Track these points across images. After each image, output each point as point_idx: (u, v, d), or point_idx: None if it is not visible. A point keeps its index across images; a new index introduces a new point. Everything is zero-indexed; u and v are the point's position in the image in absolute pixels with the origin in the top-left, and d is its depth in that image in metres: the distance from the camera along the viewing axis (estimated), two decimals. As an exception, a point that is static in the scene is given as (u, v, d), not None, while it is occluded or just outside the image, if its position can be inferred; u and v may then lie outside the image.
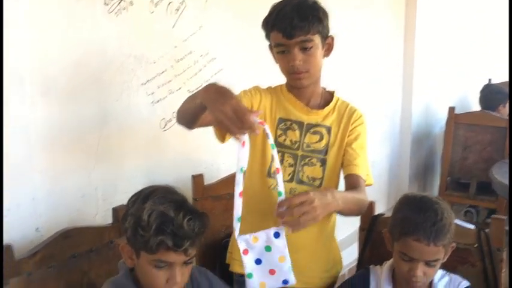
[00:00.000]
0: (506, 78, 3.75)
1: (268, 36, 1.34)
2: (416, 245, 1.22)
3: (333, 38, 1.36)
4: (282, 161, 1.38)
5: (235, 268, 1.44)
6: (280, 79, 1.42)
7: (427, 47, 3.41)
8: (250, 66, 2.02)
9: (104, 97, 1.57)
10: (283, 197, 1.16)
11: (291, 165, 1.38)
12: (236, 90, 1.15)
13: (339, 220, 1.50)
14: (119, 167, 1.64)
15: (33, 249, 1.24)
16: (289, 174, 1.38)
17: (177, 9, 1.76)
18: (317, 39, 1.29)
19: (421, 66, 3.38)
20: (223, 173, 1.85)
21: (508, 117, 3.30)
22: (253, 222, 1.26)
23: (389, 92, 3.30)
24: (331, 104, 1.41)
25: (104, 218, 1.53)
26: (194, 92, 1.20)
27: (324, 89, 1.44)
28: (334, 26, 1.37)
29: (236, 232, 1.15)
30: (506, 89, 3.56)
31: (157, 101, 1.73)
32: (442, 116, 3.52)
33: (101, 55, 1.55)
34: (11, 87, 1.32)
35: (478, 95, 3.63)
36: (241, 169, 1.13)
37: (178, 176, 1.73)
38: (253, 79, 1.46)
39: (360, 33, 2.85)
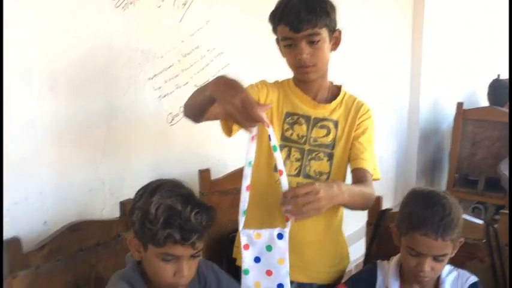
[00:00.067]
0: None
1: (275, 30, 1.34)
2: (424, 239, 1.21)
3: (340, 32, 1.35)
4: (288, 156, 1.37)
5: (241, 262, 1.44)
6: (287, 73, 1.42)
7: (435, 41, 3.39)
8: (257, 61, 2.02)
9: (111, 91, 1.57)
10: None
11: (297, 160, 1.38)
12: (243, 84, 1.14)
13: (346, 215, 1.49)
14: (125, 161, 1.64)
15: (41, 242, 1.25)
16: (296, 168, 1.37)
17: (184, 4, 1.76)
18: (324, 32, 1.28)
19: (429, 61, 3.35)
20: (230, 168, 1.85)
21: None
22: (259, 216, 1.26)
23: (396, 87, 3.28)
24: (339, 98, 1.40)
25: (111, 212, 1.53)
26: (202, 85, 1.20)
27: (331, 83, 1.43)
28: (341, 20, 1.36)
29: (240, 225, 1.15)
30: (515, 85, 3.54)
31: (165, 96, 1.73)
32: (450, 112, 3.50)
33: (108, 49, 1.55)
34: (19, 82, 1.33)
35: (486, 91, 3.61)
36: (250, 163, 1.13)
37: (185, 171, 1.73)
38: (260, 74, 1.45)
39: (368, 27, 2.83)
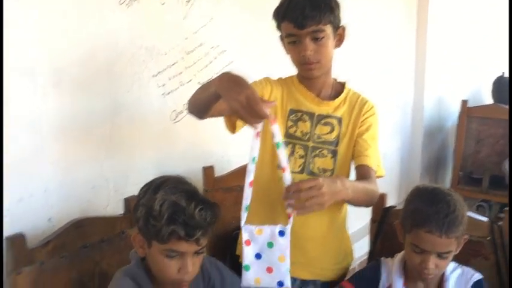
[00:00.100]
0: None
1: (279, 27, 1.33)
2: (428, 236, 1.21)
3: (344, 29, 1.35)
4: (292, 153, 1.37)
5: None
6: (291, 71, 1.42)
7: (439, 38, 3.37)
8: (261, 59, 2.01)
9: (115, 89, 1.58)
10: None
11: (301, 157, 1.38)
12: (248, 80, 1.14)
13: (350, 213, 1.49)
14: (129, 158, 1.65)
15: (45, 238, 1.25)
16: (300, 165, 1.37)
17: (188, 1, 1.75)
18: (328, 29, 1.28)
19: (434, 58, 3.34)
20: (234, 165, 1.84)
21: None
22: (262, 213, 1.26)
23: (401, 84, 3.27)
24: (342, 95, 1.40)
25: (115, 209, 1.53)
26: (207, 81, 1.20)
27: (335, 79, 1.43)
28: (345, 16, 1.36)
29: (242, 221, 1.15)
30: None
31: (168, 93, 1.73)
32: (455, 109, 3.48)
33: (112, 47, 1.55)
34: (23, 79, 1.33)
35: (490, 88, 3.59)
36: (253, 159, 1.13)
37: (188, 168, 1.73)
38: (263, 71, 1.45)
39: (372, 23, 2.82)
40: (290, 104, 1.39)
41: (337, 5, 1.31)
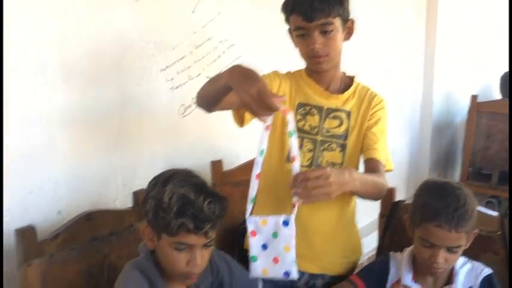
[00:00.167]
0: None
1: (287, 20, 1.33)
2: (438, 231, 1.20)
3: (353, 22, 1.34)
4: (301, 146, 1.37)
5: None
6: (299, 65, 1.41)
7: (449, 32, 3.34)
8: (269, 53, 2.01)
9: (123, 83, 1.58)
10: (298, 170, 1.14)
11: (310, 151, 1.37)
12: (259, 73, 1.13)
13: (358, 208, 1.48)
14: (138, 152, 1.65)
15: (55, 231, 1.26)
16: (308, 159, 1.37)
17: (196, -5, 1.76)
18: (337, 22, 1.27)
19: (443, 52, 3.31)
20: (242, 159, 1.84)
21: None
22: (269, 206, 1.26)
23: (409, 79, 3.25)
24: (351, 89, 1.39)
25: (124, 203, 1.54)
26: (217, 74, 1.19)
27: (344, 73, 1.42)
28: (354, 10, 1.35)
29: (247, 213, 1.15)
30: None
31: (177, 87, 1.73)
32: (464, 105, 3.45)
33: (121, 41, 1.56)
34: (34, 73, 1.34)
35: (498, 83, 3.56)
36: (262, 152, 1.13)
37: (197, 162, 1.73)
38: (272, 65, 1.45)
39: (381, 17, 2.80)
40: (298, 97, 1.39)
41: None
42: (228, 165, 1.81)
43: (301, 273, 1.40)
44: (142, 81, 1.63)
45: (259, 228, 1.15)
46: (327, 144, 1.37)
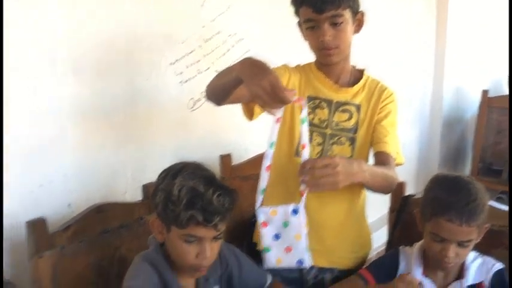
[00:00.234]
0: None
1: (297, 12, 1.32)
2: (449, 225, 1.19)
3: (363, 14, 1.33)
4: (310, 140, 1.36)
5: (262, 246, 1.44)
6: (309, 59, 1.40)
7: (460, 26, 3.30)
8: (279, 47, 2.00)
9: (133, 76, 1.59)
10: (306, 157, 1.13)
11: (319, 144, 1.37)
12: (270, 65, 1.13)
13: (367, 203, 1.47)
14: (147, 146, 1.66)
15: (66, 223, 1.27)
16: (318, 153, 1.36)
17: (205, -12, 1.75)
18: (347, 14, 1.26)
19: (454, 46, 3.27)
20: (251, 153, 1.84)
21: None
22: (280, 199, 1.24)
23: (419, 73, 3.22)
24: (361, 82, 1.38)
25: (133, 196, 1.54)
26: (228, 67, 1.19)
27: (354, 66, 1.41)
28: (364, 2, 1.34)
29: (257, 204, 1.15)
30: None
31: (186, 81, 1.73)
32: (475, 100, 3.42)
33: (130, 34, 1.56)
34: (43, 66, 1.35)
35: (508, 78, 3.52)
36: (272, 144, 1.13)
37: (206, 156, 1.73)
38: (281, 60, 1.44)
39: (391, 10, 2.78)
40: (308, 91, 1.38)
41: None
42: (237, 159, 1.81)
43: (310, 267, 1.40)
44: (151, 75, 1.63)
45: (270, 218, 1.15)
46: (336, 138, 1.37)
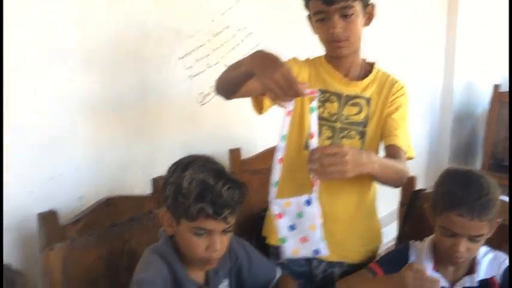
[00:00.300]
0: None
1: (307, 5, 1.31)
2: (460, 220, 1.18)
3: (373, 6, 1.32)
4: (319, 134, 1.35)
5: (271, 240, 1.44)
6: (318, 53, 1.39)
7: (471, 19, 3.26)
8: (288, 41, 1.99)
9: (142, 70, 1.59)
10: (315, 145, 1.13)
11: (329, 138, 1.36)
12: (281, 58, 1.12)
13: (377, 198, 1.47)
14: (157, 140, 1.66)
15: (76, 216, 1.28)
16: (327, 146, 1.36)
17: (215, -18, 1.75)
18: (358, 6, 1.25)
19: (465, 40, 3.24)
20: (260, 148, 1.84)
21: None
22: (290, 192, 1.24)
23: (430, 67, 3.19)
24: (371, 75, 1.37)
25: (143, 189, 1.54)
26: (238, 60, 1.19)
27: (364, 60, 1.40)
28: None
29: (271, 196, 1.15)
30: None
31: (195, 75, 1.74)
32: (486, 94, 3.39)
33: (140, 29, 1.56)
34: (54, 61, 1.36)
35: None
36: (283, 137, 1.13)
37: (215, 150, 1.72)
38: (290, 54, 1.43)
39: (401, 3, 2.75)
40: (317, 84, 1.37)
41: None
42: (246, 153, 1.81)
43: (319, 261, 1.40)
44: (161, 69, 1.63)
45: (284, 210, 1.16)
46: (346, 132, 1.36)
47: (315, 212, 1.14)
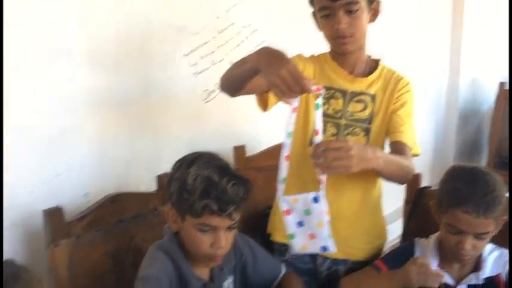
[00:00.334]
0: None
1: (312, 2, 1.31)
2: (466, 217, 1.18)
3: (378, 3, 1.31)
4: (324, 131, 1.35)
5: (276, 237, 1.44)
6: (323, 50, 1.39)
7: (476, 15, 3.24)
8: (293, 39, 1.98)
9: (147, 67, 1.59)
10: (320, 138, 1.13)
11: (333, 135, 1.35)
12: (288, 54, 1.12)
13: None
14: (161, 137, 1.66)
15: (82, 212, 1.28)
16: (332, 144, 1.35)
17: (219, -21, 1.75)
18: (363, 2, 1.25)
19: (470, 36, 3.22)
20: (265, 145, 1.84)
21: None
22: (294, 189, 1.25)
23: (435, 64, 3.18)
24: (376, 72, 1.37)
25: (148, 186, 1.55)
26: (243, 57, 1.18)
27: (369, 56, 1.40)
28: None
29: (279, 193, 1.15)
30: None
31: (200, 72, 1.74)
32: (491, 92, 3.37)
33: (145, 26, 1.56)
34: (59, 58, 1.36)
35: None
36: (289, 134, 1.13)
37: (220, 147, 1.72)
38: (295, 51, 1.42)
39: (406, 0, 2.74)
40: (322, 81, 1.36)
41: None
42: (251, 150, 1.81)
43: (324, 259, 1.40)
44: (165, 67, 1.63)
45: (292, 206, 1.16)
46: (350, 129, 1.35)
47: (322, 209, 1.14)
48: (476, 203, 1.17)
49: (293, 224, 1.17)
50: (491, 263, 1.27)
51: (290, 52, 1.38)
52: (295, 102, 1.11)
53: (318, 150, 1.08)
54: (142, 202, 1.40)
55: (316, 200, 1.14)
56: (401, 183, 1.33)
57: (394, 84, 1.35)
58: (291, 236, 1.18)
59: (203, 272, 1.16)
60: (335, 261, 1.41)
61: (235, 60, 1.23)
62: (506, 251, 1.29)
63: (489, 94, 3.46)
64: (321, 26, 1.31)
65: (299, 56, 1.39)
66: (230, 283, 1.21)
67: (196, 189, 1.03)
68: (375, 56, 1.41)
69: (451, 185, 1.24)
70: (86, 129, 1.44)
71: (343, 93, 1.35)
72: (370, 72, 1.37)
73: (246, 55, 1.17)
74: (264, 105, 1.33)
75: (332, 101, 1.36)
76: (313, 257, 1.40)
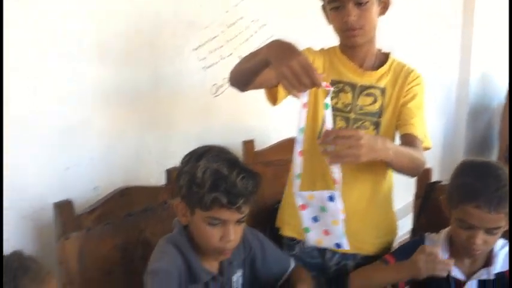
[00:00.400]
0: None
1: (321, -6, 1.30)
2: (477, 212, 1.17)
3: (388, -5, 1.30)
4: (333, 125, 1.34)
5: (285, 232, 1.44)
6: (332, 45, 1.38)
7: (487, 11, 3.21)
8: (302, 33, 1.95)
9: (157, 61, 1.59)
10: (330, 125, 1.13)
11: (342, 129, 1.35)
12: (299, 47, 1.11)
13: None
14: (171, 131, 1.67)
15: (92, 205, 1.29)
16: (341, 138, 1.34)
17: (228, -27, 1.74)
18: None
19: (481, 31, 3.19)
20: (274, 140, 1.84)
21: None
22: (304, 185, 1.25)
23: (445, 59, 3.15)
24: (386, 65, 1.35)
25: (157, 180, 1.55)
26: (253, 51, 1.18)
27: (380, 50, 1.38)
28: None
29: (295, 188, 1.16)
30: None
31: (209, 67, 1.73)
32: (502, 88, 3.33)
33: (154, 20, 1.56)
34: (70, 52, 1.36)
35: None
36: (301, 129, 1.12)
37: (228, 141, 1.71)
38: (304, 45, 1.41)
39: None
40: (332, 74, 1.36)
41: None
42: (260, 145, 1.81)
43: (333, 253, 1.39)
44: (174, 61, 1.63)
45: (308, 202, 1.17)
46: (360, 122, 1.34)
47: (338, 207, 1.15)
48: (488, 197, 1.16)
49: (308, 218, 1.18)
50: (502, 258, 1.26)
51: (299, 46, 1.39)
52: (305, 96, 1.10)
53: (328, 138, 1.07)
54: (151, 196, 1.40)
55: (331, 198, 1.14)
56: (412, 175, 1.31)
57: (404, 77, 1.34)
58: (306, 230, 1.19)
59: (212, 266, 1.16)
60: (344, 256, 1.40)
61: (244, 55, 1.23)
62: (517, 246, 1.28)
63: (499, 90, 3.43)
64: (331, 19, 1.30)
65: (308, 50, 1.38)
66: (239, 276, 1.22)
67: (205, 183, 1.03)
68: (385, 50, 1.40)
69: (462, 179, 1.23)
70: (95, 123, 1.45)
71: (353, 86, 1.34)
72: (380, 66, 1.35)
73: (256, 49, 1.16)
74: (273, 99, 1.32)
75: (341, 95, 1.35)
76: (321, 251, 1.40)
